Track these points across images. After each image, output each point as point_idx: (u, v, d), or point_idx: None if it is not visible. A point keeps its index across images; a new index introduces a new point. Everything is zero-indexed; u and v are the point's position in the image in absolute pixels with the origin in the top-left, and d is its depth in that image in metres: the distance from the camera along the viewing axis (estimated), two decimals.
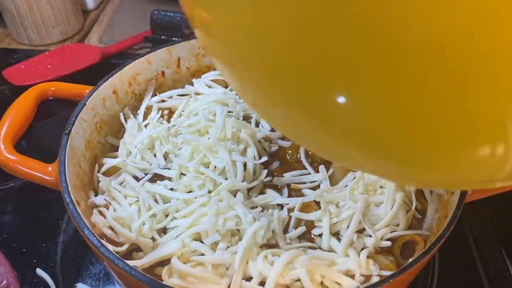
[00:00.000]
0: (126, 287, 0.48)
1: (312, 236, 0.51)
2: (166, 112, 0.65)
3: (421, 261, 0.44)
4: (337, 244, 0.49)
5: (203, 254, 0.48)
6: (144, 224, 0.51)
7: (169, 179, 0.56)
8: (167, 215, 0.52)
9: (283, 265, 0.45)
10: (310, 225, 0.51)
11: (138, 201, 0.53)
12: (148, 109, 0.65)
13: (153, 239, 0.50)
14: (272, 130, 0.60)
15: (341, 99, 0.21)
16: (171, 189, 0.54)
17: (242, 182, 0.53)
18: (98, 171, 0.57)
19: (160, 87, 0.68)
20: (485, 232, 0.67)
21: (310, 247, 0.49)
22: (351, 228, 0.49)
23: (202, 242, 0.49)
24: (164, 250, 0.48)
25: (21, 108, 0.57)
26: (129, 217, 0.51)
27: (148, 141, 0.59)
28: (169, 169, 0.57)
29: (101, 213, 0.52)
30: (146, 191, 0.53)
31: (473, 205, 0.54)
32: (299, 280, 0.45)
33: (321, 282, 0.46)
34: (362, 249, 0.49)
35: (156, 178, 0.56)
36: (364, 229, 0.50)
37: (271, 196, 0.53)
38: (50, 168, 0.52)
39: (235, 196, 0.51)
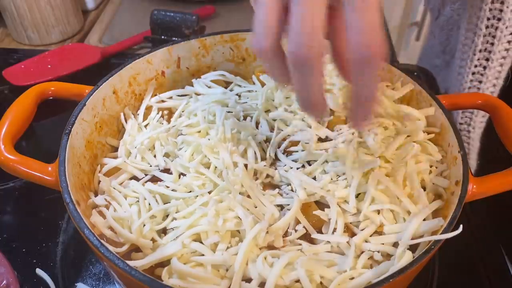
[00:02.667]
0: (126, 287, 0.48)
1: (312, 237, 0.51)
2: (166, 112, 0.65)
3: (421, 261, 0.44)
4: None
5: (203, 255, 0.48)
6: (144, 225, 0.50)
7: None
8: (167, 216, 0.52)
9: (282, 266, 0.45)
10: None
11: (138, 201, 0.53)
12: (148, 109, 0.65)
13: (153, 240, 0.50)
14: (271, 130, 0.60)
15: None
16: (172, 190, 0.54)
17: None
18: (99, 171, 0.57)
19: (160, 87, 0.68)
20: (485, 232, 0.67)
21: (310, 248, 0.49)
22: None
23: (202, 243, 0.49)
24: (164, 251, 0.48)
25: (21, 108, 0.56)
26: (130, 218, 0.51)
27: (148, 142, 0.59)
28: (169, 169, 0.57)
29: (100, 214, 0.52)
30: (148, 191, 0.53)
31: (473, 205, 0.54)
32: (298, 281, 0.45)
33: (321, 283, 0.46)
34: (362, 252, 0.49)
35: (156, 178, 0.56)
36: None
37: (271, 197, 0.53)
38: (50, 168, 0.51)
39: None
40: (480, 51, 0.73)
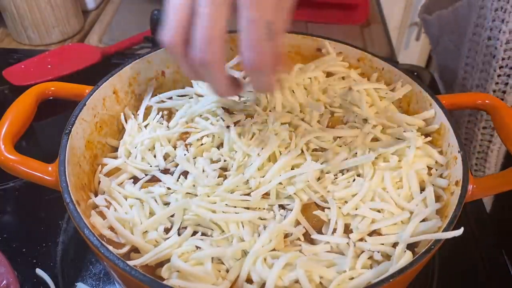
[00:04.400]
0: (126, 287, 0.48)
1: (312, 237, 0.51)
2: (165, 112, 0.65)
3: (421, 261, 0.44)
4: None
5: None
6: (147, 231, 0.51)
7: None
8: (172, 216, 0.52)
9: (281, 268, 0.45)
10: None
11: (138, 201, 0.53)
12: (148, 109, 0.65)
13: (156, 241, 0.50)
14: None
15: None
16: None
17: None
18: (100, 172, 0.57)
19: (160, 87, 0.68)
20: (485, 232, 0.67)
21: (309, 249, 0.49)
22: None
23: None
24: (163, 245, 0.48)
25: (21, 108, 0.56)
26: (132, 220, 0.51)
27: (148, 142, 0.59)
28: (169, 169, 0.57)
29: (100, 214, 0.52)
30: (146, 193, 0.53)
31: (473, 205, 0.54)
32: (298, 281, 0.45)
33: (320, 283, 0.46)
34: (362, 252, 0.49)
35: (156, 178, 0.56)
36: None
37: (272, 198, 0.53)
38: (50, 168, 0.51)
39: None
40: (477, 86, 0.73)
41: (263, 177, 0.53)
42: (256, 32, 0.43)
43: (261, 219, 0.50)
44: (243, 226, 0.49)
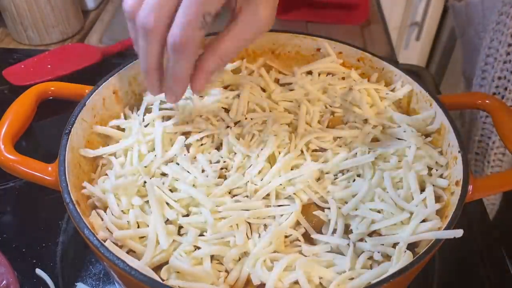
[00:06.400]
0: (126, 287, 0.48)
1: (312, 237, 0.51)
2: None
3: (421, 261, 0.44)
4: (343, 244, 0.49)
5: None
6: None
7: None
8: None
9: (281, 270, 0.45)
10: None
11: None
12: (148, 109, 0.65)
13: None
14: None
15: None
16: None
17: None
18: (100, 172, 0.57)
19: None
20: (485, 232, 0.67)
21: (309, 249, 0.49)
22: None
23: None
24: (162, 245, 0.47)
25: (21, 108, 0.57)
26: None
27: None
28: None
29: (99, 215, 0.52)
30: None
31: (473, 205, 0.54)
32: (298, 282, 0.45)
33: (320, 284, 0.46)
34: (362, 252, 0.49)
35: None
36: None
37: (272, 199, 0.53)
38: (50, 168, 0.51)
39: None
40: (499, 78, 0.70)
41: (262, 179, 0.53)
42: (190, 11, 0.45)
43: (261, 220, 0.50)
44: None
